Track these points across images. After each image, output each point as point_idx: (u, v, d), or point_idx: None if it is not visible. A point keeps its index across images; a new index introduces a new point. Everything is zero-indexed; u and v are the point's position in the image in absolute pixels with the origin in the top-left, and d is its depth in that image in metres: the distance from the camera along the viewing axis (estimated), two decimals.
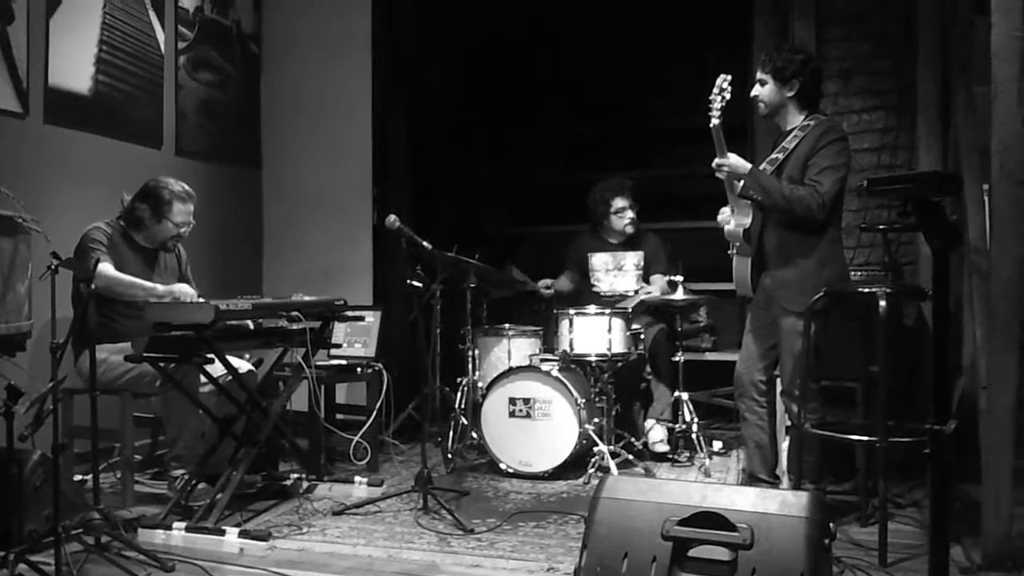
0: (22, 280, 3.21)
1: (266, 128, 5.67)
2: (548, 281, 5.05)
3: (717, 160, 3.38)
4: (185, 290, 3.74)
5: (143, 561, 2.93)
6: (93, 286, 3.05)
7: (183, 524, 3.23)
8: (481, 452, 4.48)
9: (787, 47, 3.52)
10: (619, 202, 4.85)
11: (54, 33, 4.11)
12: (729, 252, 3.62)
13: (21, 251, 3.21)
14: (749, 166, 3.36)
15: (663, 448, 4.54)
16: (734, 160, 3.38)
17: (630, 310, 4.45)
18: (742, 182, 3.36)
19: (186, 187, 3.94)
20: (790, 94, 3.41)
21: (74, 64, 4.24)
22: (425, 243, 3.81)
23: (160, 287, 3.73)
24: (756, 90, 3.46)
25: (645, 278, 4.92)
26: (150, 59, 4.73)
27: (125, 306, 3.75)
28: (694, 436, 4.41)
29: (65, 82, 4.18)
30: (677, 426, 4.49)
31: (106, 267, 3.68)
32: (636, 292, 4.86)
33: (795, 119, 3.44)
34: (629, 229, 4.89)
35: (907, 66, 4.32)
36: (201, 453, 3.63)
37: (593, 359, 4.27)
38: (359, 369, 4.47)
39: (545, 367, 4.28)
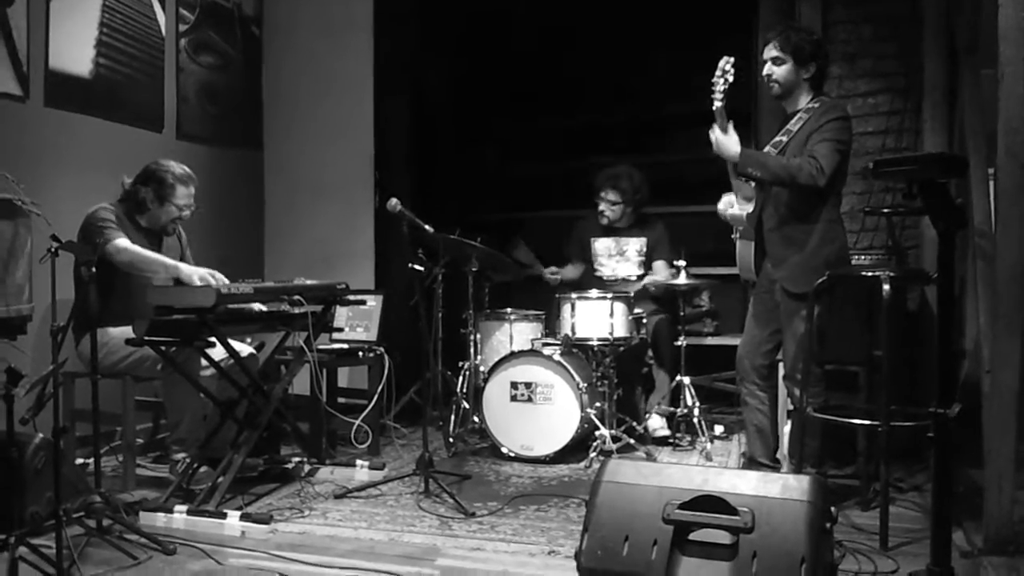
0: (22, 263, 3.20)
1: (268, 111, 5.65)
2: (555, 269, 5.03)
3: (712, 132, 3.34)
4: (202, 273, 3.65)
5: (144, 544, 2.93)
6: (97, 267, 3.02)
7: (184, 507, 3.23)
8: (482, 436, 4.48)
9: (800, 27, 3.48)
10: (600, 194, 4.86)
11: (54, 16, 4.09)
12: (733, 236, 3.60)
13: (21, 234, 3.20)
14: (739, 149, 3.30)
15: (664, 433, 4.54)
16: (723, 138, 3.31)
17: (632, 294, 4.44)
18: (735, 164, 3.32)
19: (188, 170, 3.93)
20: (806, 76, 3.36)
21: (75, 47, 4.22)
22: (427, 227, 3.80)
23: (184, 266, 3.64)
24: (770, 68, 3.38)
25: (647, 264, 4.91)
26: (151, 42, 4.71)
27: (138, 286, 3.70)
28: (695, 420, 4.40)
29: (66, 65, 4.16)
30: (679, 410, 4.48)
31: (124, 242, 3.66)
32: (639, 278, 4.84)
33: (802, 101, 3.40)
34: (603, 221, 4.89)
35: (913, 49, 4.28)
36: (203, 437, 3.63)
37: (595, 343, 4.27)
38: (361, 353, 4.46)
39: (547, 351, 4.28)
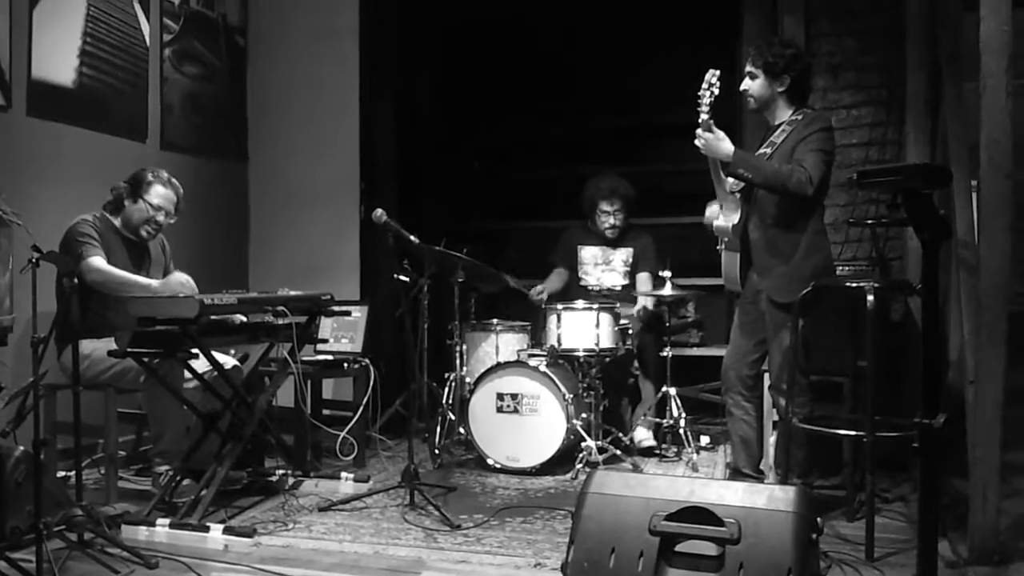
0: (2, 274, 3.17)
1: (252, 122, 5.62)
2: (541, 287, 5.00)
3: (700, 131, 3.30)
4: (180, 280, 3.62)
5: (126, 558, 2.90)
6: (77, 280, 3.00)
7: (167, 520, 3.20)
8: (468, 448, 4.46)
9: (777, 41, 3.50)
10: (604, 206, 4.86)
11: (37, 25, 4.06)
12: (718, 247, 3.61)
13: (2, 244, 3.18)
14: (732, 149, 3.29)
15: (650, 444, 4.53)
16: (713, 138, 3.29)
17: (617, 305, 4.44)
18: (727, 164, 3.32)
19: (173, 178, 3.91)
20: (780, 89, 3.39)
21: (58, 56, 4.19)
22: (412, 237, 3.79)
23: (155, 283, 3.64)
24: (745, 84, 3.43)
25: (632, 274, 4.92)
26: (135, 52, 4.68)
27: (115, 299, 3.69)
28: (681, 431, 4.40)
29: (48, 74, 4.14)
30: (665, 421, 4.48)
31: (99, 261, 3.63)
32: (623, 288, 4.85)
33: (784, 113, 3.42)
34: (609, 233, 4.89)
35: (896, 61, 4.31)
36: (185, 449, 3.59)
37: (581, 354, 4.26)
38: (346, 364, 4.44)
39: (533, 362, 4.27)
